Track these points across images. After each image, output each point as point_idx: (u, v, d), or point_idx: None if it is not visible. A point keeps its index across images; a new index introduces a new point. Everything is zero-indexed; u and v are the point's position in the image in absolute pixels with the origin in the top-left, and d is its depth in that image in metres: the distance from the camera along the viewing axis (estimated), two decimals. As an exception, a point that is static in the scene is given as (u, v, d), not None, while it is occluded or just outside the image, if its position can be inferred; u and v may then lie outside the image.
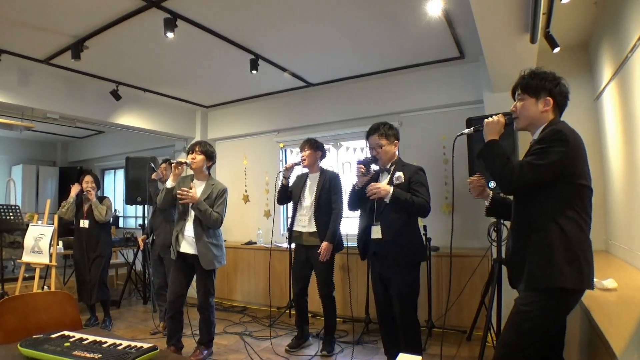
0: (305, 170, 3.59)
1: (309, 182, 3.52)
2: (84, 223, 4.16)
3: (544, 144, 1.59)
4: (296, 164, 3.49)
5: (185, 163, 3.11)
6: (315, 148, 3.51)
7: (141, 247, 4.51)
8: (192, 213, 3.14)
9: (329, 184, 3.41)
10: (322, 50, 3.86)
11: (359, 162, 2.78)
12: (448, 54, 3.93)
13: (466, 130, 1.92)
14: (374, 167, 2.84)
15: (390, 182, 2.70)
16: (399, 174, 2.71)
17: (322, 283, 3.38)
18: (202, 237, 3.11)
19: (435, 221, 4.16)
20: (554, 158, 1.55)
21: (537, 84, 1.69)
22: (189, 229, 3.15)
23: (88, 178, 4.24)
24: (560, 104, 1.70)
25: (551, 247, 1.55)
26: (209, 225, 3.13)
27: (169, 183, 3.10)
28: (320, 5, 3.00)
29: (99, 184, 4.37)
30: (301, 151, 3.54)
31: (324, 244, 3.27)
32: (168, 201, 3.16)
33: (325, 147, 5.18)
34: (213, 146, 3.41)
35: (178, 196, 3.00)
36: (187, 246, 3.14)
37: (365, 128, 4.71)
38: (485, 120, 1.79)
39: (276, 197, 3.55)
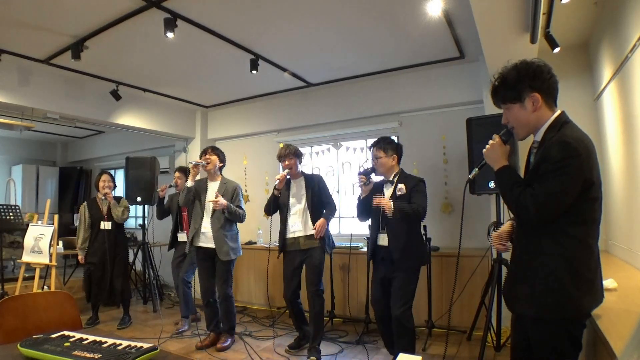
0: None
1: (293, 189, 3.49)
2: (106, 225, 4.14)
3: (554, 165, 1.38)
4: (287, 176, 3.44)
5: (201, 164, 3.44)
6: (298, 156, 3.47)
7: None
8: (208, 210, 3.45)
9: (318, 187, 3.45)
10: (322, 51, 3.86)
11: (360, 174, 3.01)
12: (448, 54, 3.93)
13: (472, 174, 1.79)
14: (374, 176, 3.05)
15: (393, 193, 2.94)
16: (400, 186, 2.94)
17: (313, 279, 3.32)
18: (218, 231, 3.39)
19: (435, 221, 4.16)
20: (569, 182, 1.37)
21: (513, 86, 1.49)
22: (206, 225, 3.44)
23: (105, 177, 4.24)
24: (548, 92, 1.48)
25: (558, 275, 1.41)
26: (237, 221, 3.51)
27: (189, 183, 3.43)
28: (320, 6, 3.00)
29: (115, 183, 4.39)
30: (284, 160, 3.42)
31: (320, 221, 3.30)
32: (189, 200, 3.46)
33: (325, 147, 5.26)
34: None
35: (214, 208, 3.36)
36: (206, 241, 3.44)
37: (365, 128, 4.84)
38: (483, 151, 1.62)
39: (266, 209, 3.50)
